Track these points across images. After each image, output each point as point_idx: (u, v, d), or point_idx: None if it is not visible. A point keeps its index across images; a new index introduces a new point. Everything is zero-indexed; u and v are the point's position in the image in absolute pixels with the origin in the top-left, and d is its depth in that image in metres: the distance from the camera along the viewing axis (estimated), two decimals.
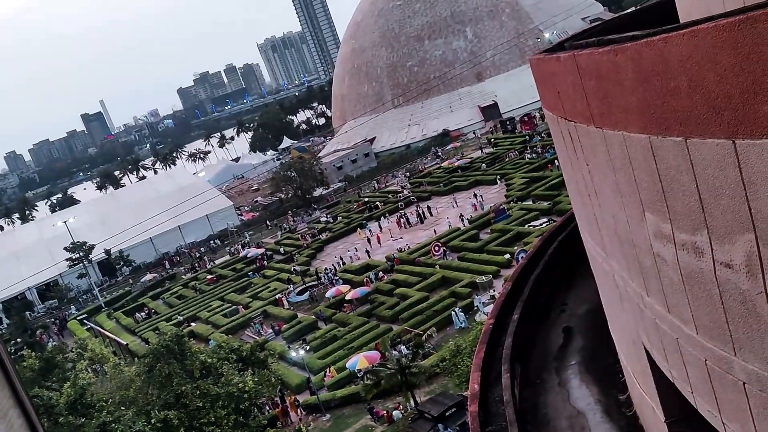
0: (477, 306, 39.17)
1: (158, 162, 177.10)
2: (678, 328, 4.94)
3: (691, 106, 3.69)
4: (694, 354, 4.78)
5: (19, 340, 63.52)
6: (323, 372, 37.75)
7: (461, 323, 38.21)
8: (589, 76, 5.14)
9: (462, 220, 57.00)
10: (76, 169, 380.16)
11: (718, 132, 3.54)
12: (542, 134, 77.69)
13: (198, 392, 27.72)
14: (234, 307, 55.80)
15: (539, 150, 72.13)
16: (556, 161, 59.05)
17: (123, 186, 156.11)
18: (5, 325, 75.74)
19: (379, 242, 60.74)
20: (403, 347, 35.80)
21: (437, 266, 48.48)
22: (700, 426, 5.35)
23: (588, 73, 5.14)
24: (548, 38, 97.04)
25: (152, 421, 26.12)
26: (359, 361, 35.27)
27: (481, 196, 63.44)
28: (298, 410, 35.47)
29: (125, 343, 54.19)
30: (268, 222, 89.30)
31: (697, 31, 3.44)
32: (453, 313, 39.31)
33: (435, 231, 57.80)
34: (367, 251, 58.57)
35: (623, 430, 8.41)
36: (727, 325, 4.09)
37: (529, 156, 72.44)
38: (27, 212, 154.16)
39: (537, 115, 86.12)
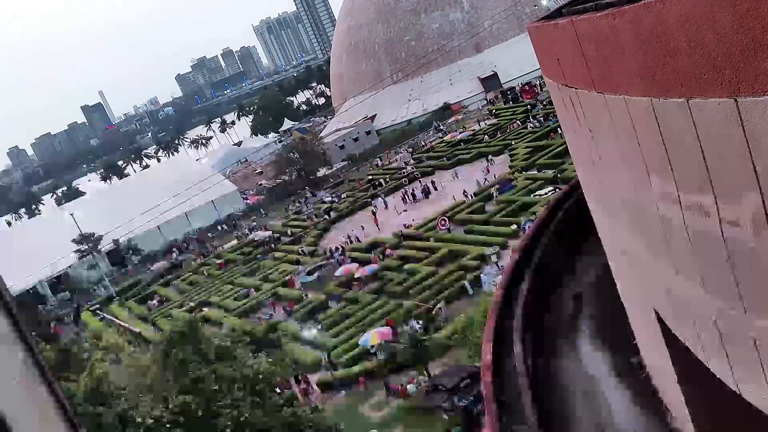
0: (486, 277, 39.26)
1: (161, 150, 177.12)
2: (687, 289, 4.96)
3: (692, 66, 3.68)
4: (704, 314, 4.80)
5: (33, 333, 63.97)
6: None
7: (489, 282, 37.88)
8: (588, 42, 5.11)
9: (466, 197, 57.03)
10: (80, 161, 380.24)
11: (719, 91, 3.53)
12: (544, 102, 77.29)
13: (214, 376, 27.93)
14: (245, 290, 56.10)
15: (542, 119, 71.76)
16: (559, 129, 58.82)
17: (127, 176, 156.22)
18: None
19: (376, 224, 59.45)
20: (413, 322, 35.98)
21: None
22: (713, 385, 5.39)
23: (587, 38, 5.12)
24: (546, 5, 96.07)
25: (170, 406, 26.39)
26: (372, 337, 35.48)
27: (493, 159, 63.83)
28: (312, 387, 35.83)
29: (139, 331, 54.59)
30: (263, 210, 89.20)
31: None
32: (466, 283, 39.56)
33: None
34: (357, 234, 58.58)
35: (637, 393, 8.48)
36: (736, 284, 4.11)
37: (531, 125, 72.11)
38: (33, 207, 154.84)
39: (538, 83, 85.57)
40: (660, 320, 6.28)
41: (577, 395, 9.03)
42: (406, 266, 46.20)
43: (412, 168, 76.13)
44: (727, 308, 4.35)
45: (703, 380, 5.89)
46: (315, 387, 35.93)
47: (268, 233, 71.91)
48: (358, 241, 57.10)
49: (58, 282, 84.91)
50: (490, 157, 66.14)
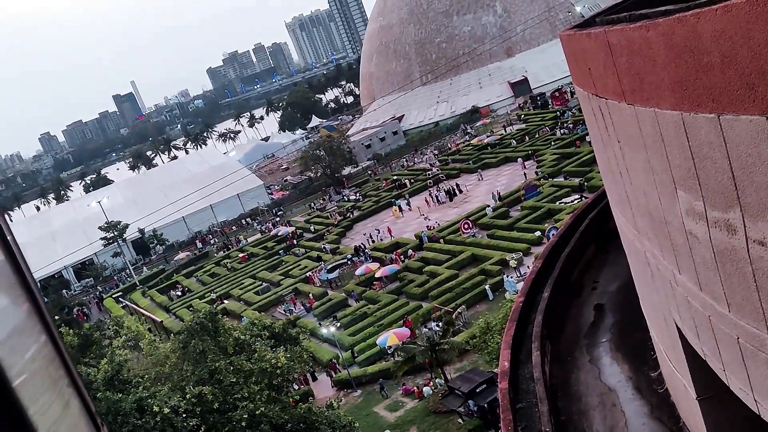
0: (508, 283, 39.06)
1: (189, 142, 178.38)
2: (710, 306, 4.92)
3: (724, 82, 3.65)
4: (726, 332, 4.76)
5: (56, 317, 64.95)
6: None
7: (511, 289, 37.72)
8: (620, 53, 5.09)
9: (494, 198, 56.80)
10: (109, 150, 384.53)
11: (751, 108, 3.50)
12: (573, 110, 76.67)
13: (231, 368, 28.10)
14: (266, 284, 56.40)
15: (570, 126, 71.24)
16: (587, 137, 58.34)
17: (155, 166, 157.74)
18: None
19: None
20: (433, 324, 35.91)
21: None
22: (731, 403, 5.33)
23: (619, 49, 5.09)
24: (579, 11, 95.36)
25: (187, 396, 26.59)
26: (389, 338, 35.48)
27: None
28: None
29: (160, 320, 55.14)
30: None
31: (731, 6, 3.39)
32: (487, 288, 39.52)
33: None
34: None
35: (655, 407, 8.41)
36: (760, 303, 4.06)
37: (560, 132, 71.64)
38: (62, 192, 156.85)
39: (568, 90, 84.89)
40: (681, 335, 6.23)
41: (594, 406, 8.97)
42: (427, 268, 46.12)
43: (438, 170, 75.99)
44: (750, 327, 4.31)
45: (722, 397, 5.82)
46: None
47: (291, 229, 72.24)
48: (381, 240, 57.11)
49: (82, 268, 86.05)
50: (531, 152, 67.11)
